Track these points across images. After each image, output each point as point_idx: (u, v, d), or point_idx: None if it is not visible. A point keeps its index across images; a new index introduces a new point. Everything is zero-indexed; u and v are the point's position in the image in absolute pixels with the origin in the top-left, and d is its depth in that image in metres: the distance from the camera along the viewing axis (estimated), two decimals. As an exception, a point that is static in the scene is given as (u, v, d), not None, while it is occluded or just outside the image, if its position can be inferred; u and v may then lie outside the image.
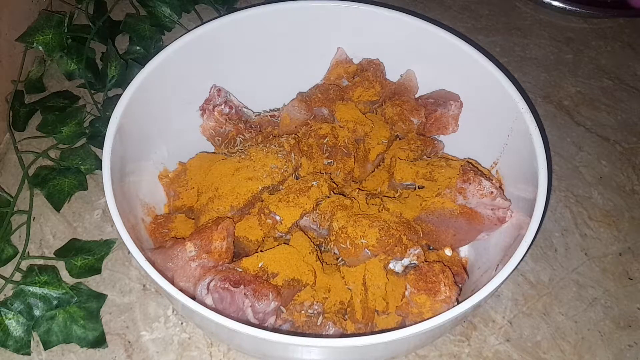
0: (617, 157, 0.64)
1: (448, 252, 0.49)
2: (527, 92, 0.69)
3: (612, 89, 0.70)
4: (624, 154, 0.65)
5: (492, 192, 0.47)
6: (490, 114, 0.51)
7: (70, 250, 0.55)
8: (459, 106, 0.54)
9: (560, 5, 0.75)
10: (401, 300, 0.44)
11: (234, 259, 0.46)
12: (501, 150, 0.51)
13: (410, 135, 0.53)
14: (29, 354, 0.50)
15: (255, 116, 0.55)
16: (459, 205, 0.47)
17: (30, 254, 0.55)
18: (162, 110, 0.51)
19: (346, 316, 0.45)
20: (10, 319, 0.50)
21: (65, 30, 0.65)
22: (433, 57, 0.53)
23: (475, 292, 0.39)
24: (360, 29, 0.54)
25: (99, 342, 0.51)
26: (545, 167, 0.44)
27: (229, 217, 0.46)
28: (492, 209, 0.47)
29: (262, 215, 0.47)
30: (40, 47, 0.64)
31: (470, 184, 0.47)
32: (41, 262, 0.54)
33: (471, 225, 0.48)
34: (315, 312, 0.45)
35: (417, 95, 0.56)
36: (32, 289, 0.51)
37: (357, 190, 0.50)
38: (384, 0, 0.55)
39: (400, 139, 0.53)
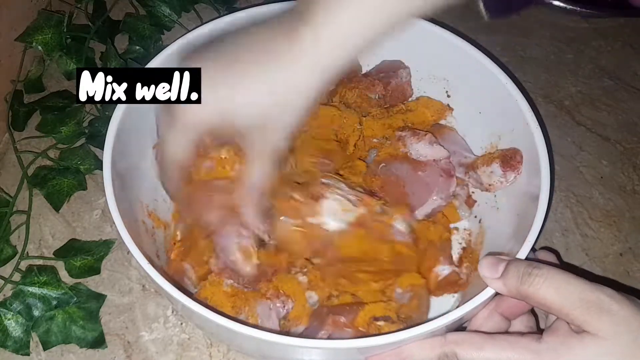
0: (617, 157, 0.64)
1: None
2: (527, 92, 0.68)
3: (613, 89, 0.69)
4: (624, 153, 0.65)
5: (426, 134, 0.50)
6: (490, 113, 0.51)
7: (70, 250, 0.55)
8: (409, 71, 0.55)
9: (561, 5, 0.75)
10: None
11: None
12: (503, 149, 0.51)
13: (374, 111, 0.54)
14: (28, 354, 0.50)
15: None
16: (402, 152, 0.50)
17: (29, 254, 0.54)
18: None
19: None
20: (9, 320, 0.50)
21: (65, 30, 0.65)
22: (433, 57, 0.53)
23: (478, 294, 0.39)
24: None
25: (98, 342, 0.50)
26: (548, 166, 0.44)
27: None
28: (434, 160, 0.50)
29: None
30: (39, 47, 0.64)
31: (407, 131, 0.51)
32: (40, 262, 0.54)
33: (416, 171, 0.49)
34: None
35: (362, 73, 0.57)
36: (31, 289, 0.51)
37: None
38: None
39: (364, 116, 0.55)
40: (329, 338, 0.42)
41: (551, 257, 0.44)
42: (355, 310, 0.43)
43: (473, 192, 0.54)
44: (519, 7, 0.43)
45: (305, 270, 0.47)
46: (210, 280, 0.45)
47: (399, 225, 0.49)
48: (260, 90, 0.39)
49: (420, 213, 0.50)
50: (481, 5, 0.41)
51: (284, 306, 0.45)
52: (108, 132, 0.45)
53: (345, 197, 0.46)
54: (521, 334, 0.39)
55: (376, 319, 0.43)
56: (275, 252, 0.47)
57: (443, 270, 0.48)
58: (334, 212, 0.46)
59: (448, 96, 0.55)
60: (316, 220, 0.46)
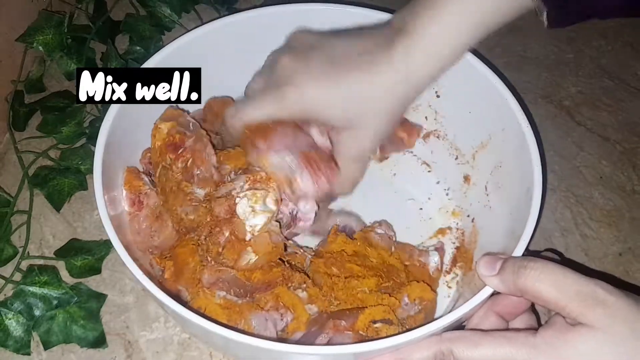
0: (617, 157, 0.64)
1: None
2: (527, 91, 0.68)
3: (613, 89, 0.69)
4: (624, 154, 0.64)
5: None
6: (481, 113, 0.51)
7: (70, 250, 0.55)
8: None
9: (561, 4, 0.75)
10: None
11: None
12: (495, 149, 0.51)
13: None
14: (29, 354, 0.50)
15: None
16: None
17: (30, 254, 0.55)
18: (156, 115, 0.50)
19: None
20: (10, 319, 0.50)
21: (65, 30, 0.65)
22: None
23: (474, 295, 0.39)
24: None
25: (99, 342, 0.51)
26: (539, 164, 0.44)
27: None
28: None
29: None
30: (40, 47, 0.64)
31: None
32: (41, 262, 0.54)
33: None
34: None
35: None
36: (32, 289, 0.51)
37: None
38: (384, 3, 0.55)
39: None
40: (329, 342, 0.42)
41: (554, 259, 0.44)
42: (355, 314, 0.43)
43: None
44: (579, 20, 0.45)
45: (304, 285, 0.46)
46: (204, 291, 0.45)
47: (380, 230, 0.49)
48: (357, 89, 0.43)
49: None
50: (544, 16, 0.43)
51: (282, 318, 0.44)
52: (99, 136, 0.44)
53: (251, 187, 0.44)
54: (518, 330, 0.39)
55: (374, 321, 0.43)
56: (269, 267, 0.45)
57: (432, 262, 0.48)
58: (251, 211, 0.43)
59: (437, 96, 0.55)
60: (251, 230, 0.43)
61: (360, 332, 0.42)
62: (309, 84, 0.44)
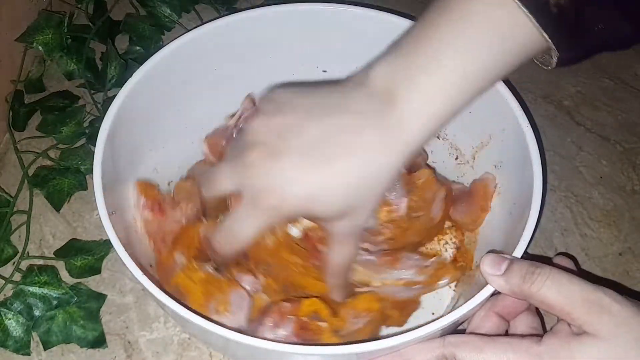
0: (617, 157, 0.64)
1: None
2: (527, 91, 0.68)
3: (613, 89, 0.70)
4: (624, 153, 0.65)
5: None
6: (481, 113, 0.51)
7: (70, 250, 0.55)
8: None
9: (561, 4, 0.75)
10: None
11: None
12: (495, 149, 0.51)
13: None
14: (29, 354, 0.50)
15: None
16: None
17: (30, 254, 0.55)
18: (154, 117, 0.50)
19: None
20: (10, 319, 0.50)
21: (65, 30, 0.65)
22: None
23: (475, 295, 0.39)
24: (359, 33, 0.53)
25: (99, 342, 0.51)
26: (540, 165, 0.44)
27: None
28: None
29: None
30: (40, 47, 0.64)
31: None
32: (41, 262, 0.54)
33: None
34: None
35: None
36: (31, 289, 0.51)
37: None
38: (384, 3, 0.55)
39: None
40: (274, 326, 0.42)
41: (568, 263, 0.44)
42: (300, 300, 0.43)
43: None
44: (588, 57, 0.41)
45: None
46: (187, 267, 0.44)
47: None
48: (350, 176, 0.38)
49: None
50: (554, 60, 0.38)
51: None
52: (98, 140, 0.44)
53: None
54: (522, 336, 0.39)
55: (320, 319, 0.42)
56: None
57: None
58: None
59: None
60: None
61: (303, 318, 0.42)
62: (309, 171, 0.38)
